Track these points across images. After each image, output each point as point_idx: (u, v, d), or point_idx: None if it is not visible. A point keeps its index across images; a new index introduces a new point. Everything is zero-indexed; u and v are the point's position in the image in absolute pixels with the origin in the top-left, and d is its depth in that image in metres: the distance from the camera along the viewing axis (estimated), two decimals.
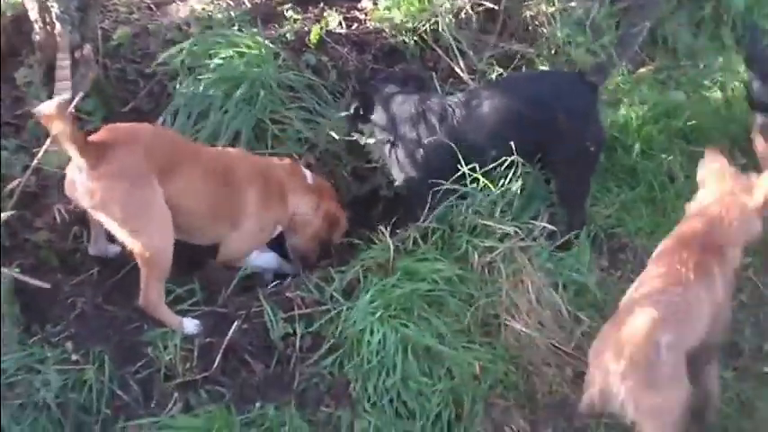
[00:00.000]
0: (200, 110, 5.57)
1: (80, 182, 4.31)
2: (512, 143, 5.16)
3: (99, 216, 4.40)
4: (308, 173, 5.41)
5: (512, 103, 5.33)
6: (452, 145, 5.22)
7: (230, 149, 5.25)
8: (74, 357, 4.22)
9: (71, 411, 4.12)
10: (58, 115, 4.07)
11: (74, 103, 4.60)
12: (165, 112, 5.56)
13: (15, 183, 4.70)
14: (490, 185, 5.21)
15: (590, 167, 5.58)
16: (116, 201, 4.32)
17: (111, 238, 4.75)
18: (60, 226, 4.80)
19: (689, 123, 6.60)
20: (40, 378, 4.10)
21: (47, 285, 4.24)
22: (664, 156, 6.20)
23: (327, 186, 5.54)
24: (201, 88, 5.60)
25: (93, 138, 4.39)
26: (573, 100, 5.39)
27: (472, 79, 6.31)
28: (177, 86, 5.66)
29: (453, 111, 5.33)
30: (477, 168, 5.19)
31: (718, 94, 7.21)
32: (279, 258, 5.38)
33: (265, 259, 5.27)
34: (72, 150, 4.20)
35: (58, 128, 4.10)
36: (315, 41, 6.25)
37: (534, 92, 5.42)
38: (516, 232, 5.17)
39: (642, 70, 7.14)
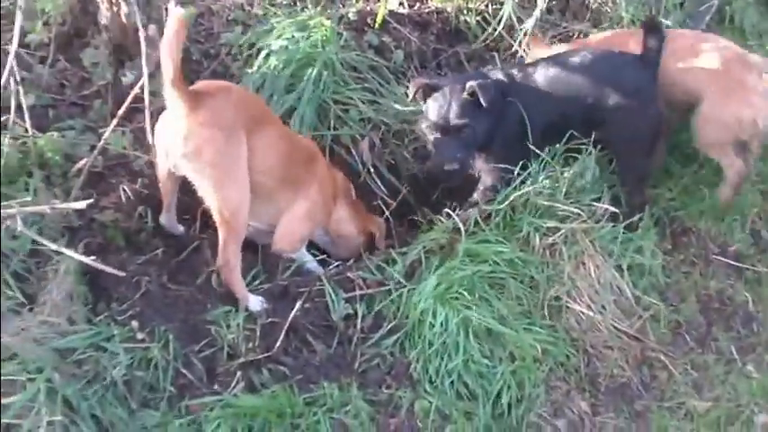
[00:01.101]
0: (264, 91, 5.58)
1: (176, 127, 4.41)
2: (564, 118, 5.24)
3: (186, 166, 4.47)
4: (351, 187, 5.50)
5: (568, 79, 5.32)
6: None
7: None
8: (139, 336, 4.25)
9: (137, 389, 4.17)
10: (171, 49, 4.20)
11: (140, 83, 4.62)
12: None
13: (83, 162, 4.77)
14: (555, 165, 5.19)
15: (647, 149, 5.53)
16: (209, 148, 4.40)
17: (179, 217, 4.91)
18: (126, 206, 4.83)
19: None
20: (107, 356, 4.14)
21: (120, 273, 4.29)
22: None
23: (361, 203, 5.59)
24: (265, 69, 5.61)
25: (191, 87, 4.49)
26: (630, 80, 5.35)
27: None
28: (241, 67, 5.68)
29: (509, 85, 5.32)
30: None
31: None
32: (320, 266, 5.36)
33: (311, 260, 5.28)
34: (173, 92, 4.32)
35: (167, 65, 4.23)
36: (379, 22, 6.23)
37: (592, 70, 5.37)
38: (579, 214, 5.15)
39: None
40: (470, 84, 5.11)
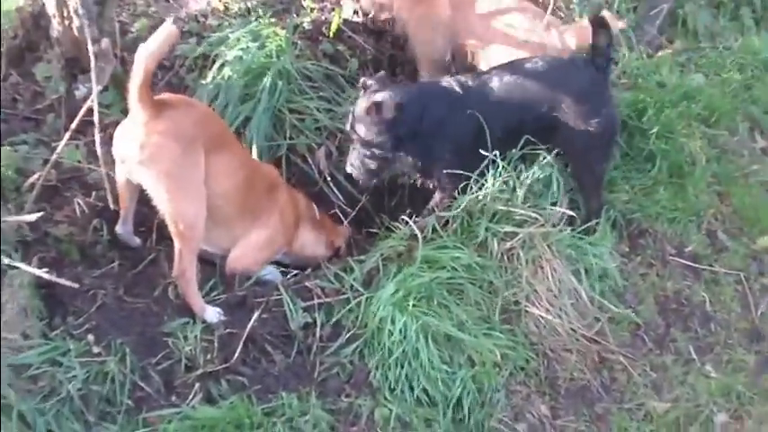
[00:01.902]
0: (219, 101, 5.58)
1: (134, 134, 4.41)
2: (520, 124, 5.25)
3: (142, 174, 4.47)
4: (316, 210, 5.52)
5: (522, 86, 5.29)
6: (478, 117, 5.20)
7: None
8: (96, 350, 4.23)
9: (93, 403, 4.14)
10: (152, 58, 4.27)
11: (92, 96, 4.60)
12: None
13: (36, 176, 4.73)
14: (509, 170, 5.19)
15: (603, 153, 5.51)
16: (165, 158, 4.41)
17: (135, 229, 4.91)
18: (81, 219, 4.82)
19: (708, 106, 6.51)
20: (62, 370, 4.11)
21: (74, 285, 4.28)
22: (683, 140, 6.13)
23: (326, 217, 5.62)
24: (220, 79, 5.61)
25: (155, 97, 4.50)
26: (581, 84, 5.32)
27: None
28: (196, 78, 5.67)
29: (460, 93, 5.28)
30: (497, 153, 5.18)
31: (737, 76, 7.12)
32: (278, 272, 5.35)
33: (269, 270, 5.24)
34: (135, 99, 4.34)
35: (140, 70, 4.25)
36: (333, 31, 6.24)
37: (544, 75, 5.34)
38: (536, 218, 5.15)
39: (661, 53, 7.08)
40: (374, 99, 5.09)
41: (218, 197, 4.73)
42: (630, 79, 6.39)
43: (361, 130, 5.15)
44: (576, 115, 5.24)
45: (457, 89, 5.26)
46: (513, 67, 5.41)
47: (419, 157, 5.33)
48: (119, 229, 4.90)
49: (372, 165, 5.27)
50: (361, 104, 5.14)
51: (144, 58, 4.24)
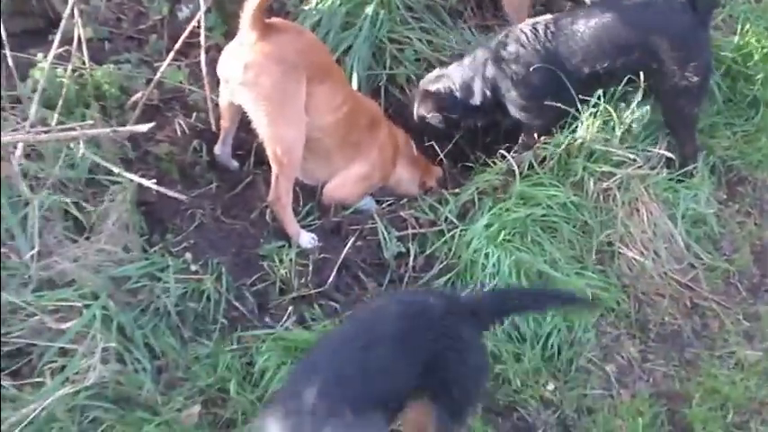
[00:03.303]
0: (320, 28, 5.54)
1: (239, 55, 4.46)
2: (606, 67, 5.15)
3: (243, 95, 4.51)
4: (413, 146, 5.51)
5: (614, 24, 5.18)
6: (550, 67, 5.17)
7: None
8: (193, 268, 4.30)
9: (189, 319, 4.23)
10: None
11: (196, 18, 4.63)
12: None
13: (139, 95, 4.78)
14: (611, 110, 5.10)
15: (696, 98, 5.40)
16: (267, 80, 4.44)
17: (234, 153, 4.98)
18: (181, 139, 4.88)
19: None
20: (160, 286, 4.20)
21: (181, 196, 4.35)
22: None
23: (422, 155, 5.58)
24: (322, 6, 5.57)
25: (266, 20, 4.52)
26: (680, 27, 5.20)
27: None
28: (297, 3, 5.65)
29: (538, 35, 5.23)
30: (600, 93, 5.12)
31: None
32: (374, 202, 5.33)
33: (365, 201, 5.24)
34: (248, 20, 4.38)
35: None
36: None
37: (640, 15, 5.26)
38: (634, 159, 5.09)
39: None
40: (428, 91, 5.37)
41: (318, 130, 4.75)
42: (737, 23, 6.20)
43: (426, 107, 5.40)
44: (672, 61, 5.13)
45: (525, 42, 5.24)
46: (604, 6, 5.31)
47: (493, 115, 5.44)
48: (217, 150, 4.95)
49: (449, 123, 5.47)
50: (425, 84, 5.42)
51: None
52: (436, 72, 5.41)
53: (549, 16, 5.35)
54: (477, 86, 5.31)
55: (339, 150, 4.97)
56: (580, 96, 5.13)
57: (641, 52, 5.16)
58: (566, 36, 5.19)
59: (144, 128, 3.88)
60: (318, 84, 4.64)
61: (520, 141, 5.40)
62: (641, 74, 5.14)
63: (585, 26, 5.16)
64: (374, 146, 5.12)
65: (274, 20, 4.70)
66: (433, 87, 5.33)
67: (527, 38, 5.21)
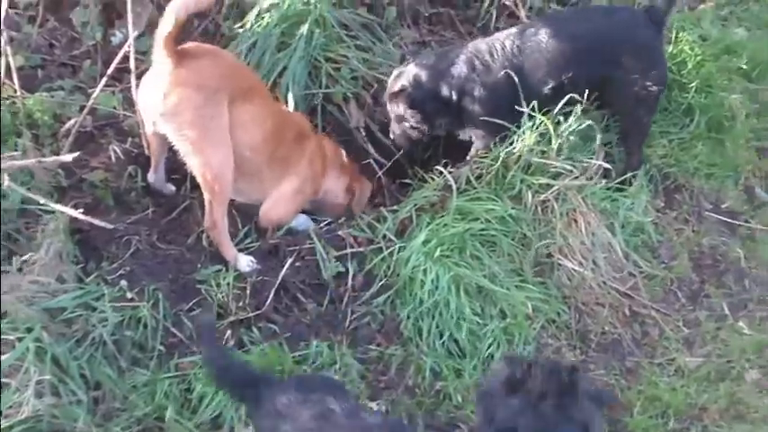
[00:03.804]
0: (256, 50, 5.53)
1: (157, 85, 4.40)
2: (570, 77, 5.19)
3: (165, 125, 4.46)
4: (344, 154, 5.49)
5: (575, 36, 5.27)
6: (512, 77, 5.18)
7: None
8: (129, 295, 4.28)
9: (126, 348, 4.21)
10: (185, 11, 4.24)
11: (129, 42, 4.61)
12: None
13: (72, 122, 4.76)
14: (547, 123, 5.13)
15: (652, 108, 5.50)
16: (187, 108, 4.38)
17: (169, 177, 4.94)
18: (116, 165, 4.85)
19: (750, 61, 6.39)
20: (96, 315, 4.17)
21: (109, 226, 4.32)
22: (723, 94, 6.04)
23: (353, 165, 5.58)
24: (257, 27, 5.57)
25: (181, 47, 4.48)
26: (642, 38, 5.31)
27: (528, 17, 6.20)
28: (231, 26, 5.64)
29: (506, 46, 5.26)
30: (536, 105, 5.14)
31: None
32: (311, 220, 5.34)
33: (302, 221, 5.24)
34: (160, 49, 4.32)
35: (170, 20, 4.22)
36: None
37: (604, 26, 5.35)
38: (571, 170, 5.13)
39: (703, 6, 6.97)
40: (398, 82, 5.30)
41: (246, 148, 4.73)
42: (671, 32, 6.27)
43: (394, 108, 5.33)
44: (635, 70, 5.23)
45: (491, 51, 5.26)
46: (564, 20, 5.38)
47: (456, 122, 5.43)
48: (150, 177, 4.93)
49: (414, 134, 5.44)
50: (390, 85, 5.33)
51: (176, 10, 4.21)
52: (394, 74, 5.39)
53: (514, 29, 5.42)
54: (445, 80, 5.31)
55: (269, 167, 4.95)
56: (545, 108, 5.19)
57: (605, 62, 5.25)
58: (530, 48, 5.24)
59: (69, 157, 3.88)
60: (241, 104, 4.62)
61: (470, 154, 5.42)
62: (603, 84, 5.27)
63: (549, 37, 5.22)
64: (303, 159, 5.11)
65: (189, 45, 4.66)
66: (397, 86, 5.29)
67: (494, 51, 5.27)
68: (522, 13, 6.22)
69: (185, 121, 4.40)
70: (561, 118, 5.21)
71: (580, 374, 3.02)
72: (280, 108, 5.15)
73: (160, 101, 4.37)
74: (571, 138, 5.23)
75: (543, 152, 5.17)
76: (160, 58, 4.35)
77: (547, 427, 2.91)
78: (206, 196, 4.57)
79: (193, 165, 4.51)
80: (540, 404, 2.91)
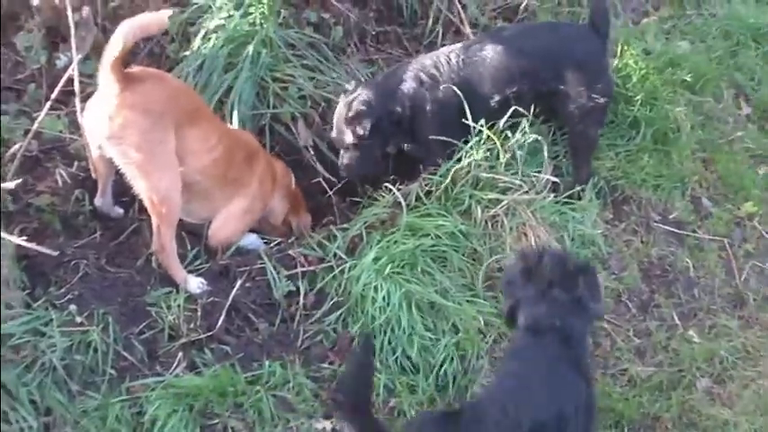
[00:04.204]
0: (203, 71, 5.53)
1: (103, 109, 4.38)
2: (516, 91, 5.27)
3: (111, 149, 4.43)
4: (293, 179, 5.50)
5: (521, 50, 5.34)
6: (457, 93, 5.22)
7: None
8: (78, 319, 4.24)
9: (77, 372, 4.16)
10: (132, 37, 4.25)
11: (73, 65, 4.56)
12: (171, 73, 5.46)
13: (17, 147, 4.71)
14: (494, 137, 5.16)
15: (599, 121, 5.58)
16: (133, 131, 4.37)
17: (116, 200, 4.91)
18: (62, 190, 4.82)
19: (693, 73, 6.51)
20: (45, 340, 4.12)
21: (54, 252, 4.27)
22: (668, 106, 6.13)
23: (298, 192, 5.60)
24: (203, 49, 5.56)
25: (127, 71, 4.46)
26: (586, 51, 5.40)
27: (474, 33, 6.25)
28: (177, 48, 5.63)
29: (451, 60, 5.31)
30: (483, 121, 5.18)
31: (723, 43, 7.15)
32: (260, 240, 5.34)
33: (251, 240, 5.24)
34: (107, 73, 4.31)
35: (118, 45, 4.22)
36: None
37: (548, 40, 5.44)
38: (520, 185, 5.16)
39: (646, 21, 7.07)
40: (354, 106, 5.28)
41: (196, 172, 4.73)
42: (616, 46, 6.34)
43: (352, 132, 5.29)
44: (580, 83, 5.31)
45: (436, 66, 5.31)
46: (510, 35, 5.43)
47: (408, 138, 5.50)
48: (97, 201, 4.89)
49: (367, 162, 5.46)
50: (340, 112, 5.33)
51: (124, 34, 4.21)
52: (345, 100, 5.36)
53: (458, 44, 5.48)
54: (396, 98, 5.35)
55: (219, 188, 4.95)
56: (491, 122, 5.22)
57: (550, 76, 5.33)
58: (475, 63, 5.29)
59: (12, 185, 3.84)
60: (189, 127, 4.62)
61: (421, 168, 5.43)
62: (549, 98, 5.37)
63: (494, 52, 5.28)
64: (253, 179, 5.11)
65: (135, 69, 4.66)
66: (352, 111, 5.27)
67: (439, 66, 5.31)
68: (468, 30, 6.27)
69: (132, 145, 4.38)
70: (509, 132, 5.25)
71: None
72: (227, 129, 5.14)
73: (106, 124, 4.36)
74: (519, 152, 5.27)
75: (492, 167, 5.20)
76: (107, 81, 4.34)
77: (555, 308, 3.70)
78: (154, 220, 4.55)
79: (140, 188, 4.48)
80: (550, 289, 3.72)
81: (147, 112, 4.38)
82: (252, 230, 5.31)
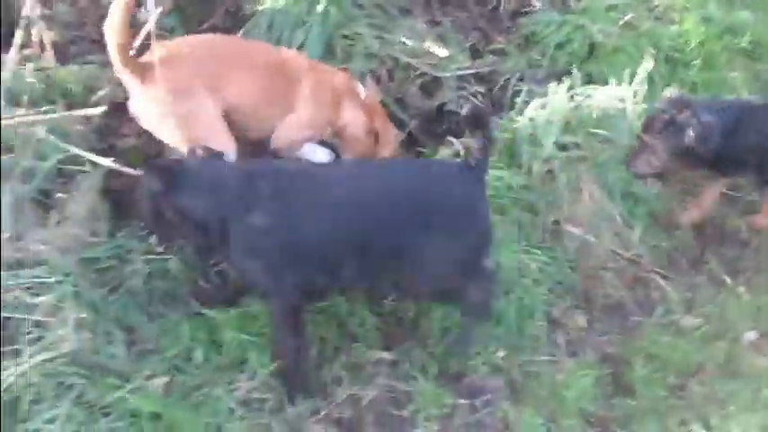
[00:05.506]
0: (274, 28, 5.71)
1: (135, 104, 4.60)
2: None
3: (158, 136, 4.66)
4: (362, 89, 5.34)
5: None
6: None
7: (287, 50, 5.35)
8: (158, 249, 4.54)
9: (157, 296, 4.50)
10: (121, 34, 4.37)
11: (154, 19, 4.71)
12: (243, 29, 5.72)
13: (103, 92, 4.99)
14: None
15: None
16: (166, 118, 4.52)
17: None
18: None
19: (753, 41, 6.57)
20: (128, 266, 4.46)
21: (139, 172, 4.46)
22: (726, 72, 6.24)
23: (378, 105, 5.48)
24: (275, 6, 5.75)
25: (141, 59, 4.56)
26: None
27: None
28: (252, 5, 5.83)
29: None
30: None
31: None
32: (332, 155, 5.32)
33: (321, 154, 5.24)
34: (119, 66, 4.45)
35: (113, 47, 4.38)
36: None
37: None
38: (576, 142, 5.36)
39: None
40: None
41: (244, 113, 4.81)
42: (676, 13, 6.44)
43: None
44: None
45: None
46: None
47: None
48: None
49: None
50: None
51: (107, 36, 4.38)
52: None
53: None
54: None
55: (270, 112, 5.00)
56: None
57: None
58: None
59: (98, 110, 4.12)
60: (225, 78, 4.71)
61: None
62: None
63: None
64: (299, 97, 5.04)
65: (148, 54, 4.59)
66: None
67: None
68: None
69: (170, 129, 4.57)
70: None
71: None
72: (264, 62, 4.98)
73: (144, 118, 4.61)
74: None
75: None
76: (125, 75, 4.52)
77: None
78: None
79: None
80: None
81: (168, 94, 4.42)
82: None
